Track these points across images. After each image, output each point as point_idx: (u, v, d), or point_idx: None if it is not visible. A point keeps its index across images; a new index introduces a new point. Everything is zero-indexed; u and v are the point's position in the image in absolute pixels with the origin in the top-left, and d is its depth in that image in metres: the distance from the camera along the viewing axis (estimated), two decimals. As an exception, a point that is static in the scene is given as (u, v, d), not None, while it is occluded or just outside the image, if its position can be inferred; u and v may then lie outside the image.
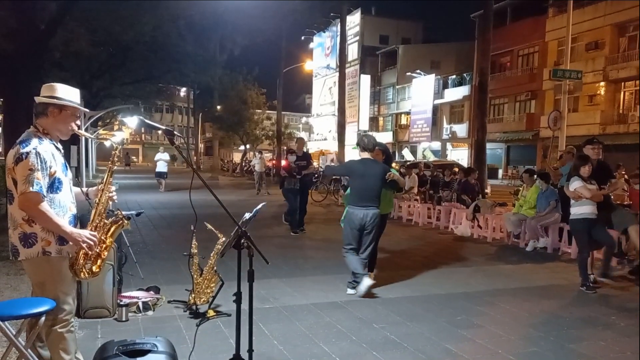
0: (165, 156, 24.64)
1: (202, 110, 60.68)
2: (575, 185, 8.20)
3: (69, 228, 3.83)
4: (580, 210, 8.23)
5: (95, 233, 3.94)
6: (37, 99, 3.90)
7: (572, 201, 8.37)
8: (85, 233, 3.85)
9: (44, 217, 3.70)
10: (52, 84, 3.97)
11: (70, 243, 3.84)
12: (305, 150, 14.21)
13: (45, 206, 3.70)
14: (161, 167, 24.75)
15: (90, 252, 3.92)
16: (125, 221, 4.33)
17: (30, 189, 3.62)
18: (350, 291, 7.52)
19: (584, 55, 36.94)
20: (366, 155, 7.80)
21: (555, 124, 20.15)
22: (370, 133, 49.80)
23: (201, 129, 65.67)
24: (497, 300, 7.39)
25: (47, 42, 14.22)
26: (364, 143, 7.86)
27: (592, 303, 7.36)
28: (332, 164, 8.24)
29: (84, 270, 3.97)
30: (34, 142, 3.75)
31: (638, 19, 34.02)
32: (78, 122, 4.09)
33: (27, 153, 3.68)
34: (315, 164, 37.61)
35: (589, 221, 8.20)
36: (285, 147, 41.96)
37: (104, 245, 4.07)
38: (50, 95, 3.89)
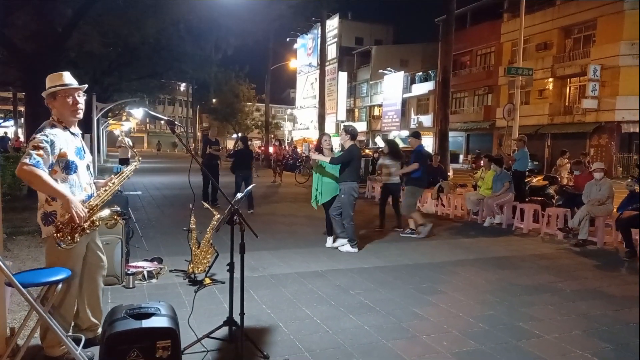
0: (127, 142, 22.70)
1: (200, 103, 60.34)
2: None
3: (66, 191, 3.65)
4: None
5: (86, 211, 3.75)
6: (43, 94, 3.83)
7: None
8: (79, 205, 3.67)
9: (39, 181, 3.50)
10: (47, 77, 3.85)
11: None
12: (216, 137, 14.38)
13: (39, 171, 3.50)
14: (123, 154, 21.09)
15: (74, 224, 3.70)
16: (118, 218, 4.26)
17: (27, 160, 3.47)
18: (356, 249, 8.35)
19: (535, 55, 37.08)
20: (351, 142, 8.41)
21: (509, 115, 20.32)
22: (349, 123, 49.93)
23: (199, 119, 65.19)
24: (458, 269, 7.43)
25: (64, 43, 14.15)
26: (355, 132, 8.61)
27: (542, 272, 7.41)
28: (315, 153, 8.44)
29: (65, 237, 3.74)
30: (47, 128, 3.71)
31: (582, 23, 34.29)
32: (79, 99, 3.90)
33: (37, 135, 3.63)
34: (299, 150, 37.85)
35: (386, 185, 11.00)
36: (273, 136, 41.94)
37: (89, 224, 3.86)
38: (45, 89, 3.82)
